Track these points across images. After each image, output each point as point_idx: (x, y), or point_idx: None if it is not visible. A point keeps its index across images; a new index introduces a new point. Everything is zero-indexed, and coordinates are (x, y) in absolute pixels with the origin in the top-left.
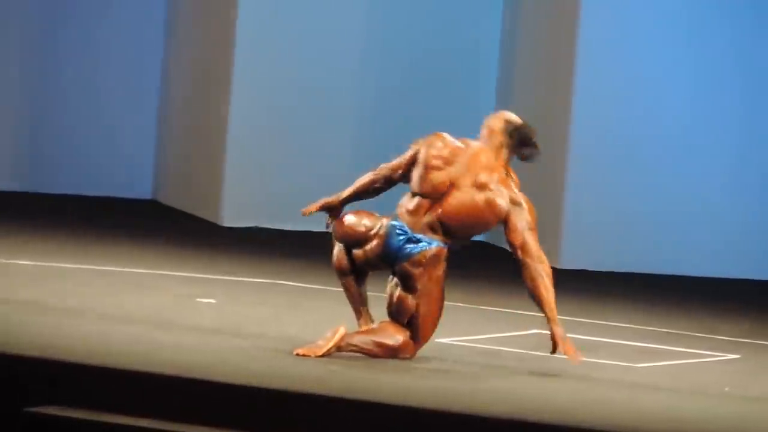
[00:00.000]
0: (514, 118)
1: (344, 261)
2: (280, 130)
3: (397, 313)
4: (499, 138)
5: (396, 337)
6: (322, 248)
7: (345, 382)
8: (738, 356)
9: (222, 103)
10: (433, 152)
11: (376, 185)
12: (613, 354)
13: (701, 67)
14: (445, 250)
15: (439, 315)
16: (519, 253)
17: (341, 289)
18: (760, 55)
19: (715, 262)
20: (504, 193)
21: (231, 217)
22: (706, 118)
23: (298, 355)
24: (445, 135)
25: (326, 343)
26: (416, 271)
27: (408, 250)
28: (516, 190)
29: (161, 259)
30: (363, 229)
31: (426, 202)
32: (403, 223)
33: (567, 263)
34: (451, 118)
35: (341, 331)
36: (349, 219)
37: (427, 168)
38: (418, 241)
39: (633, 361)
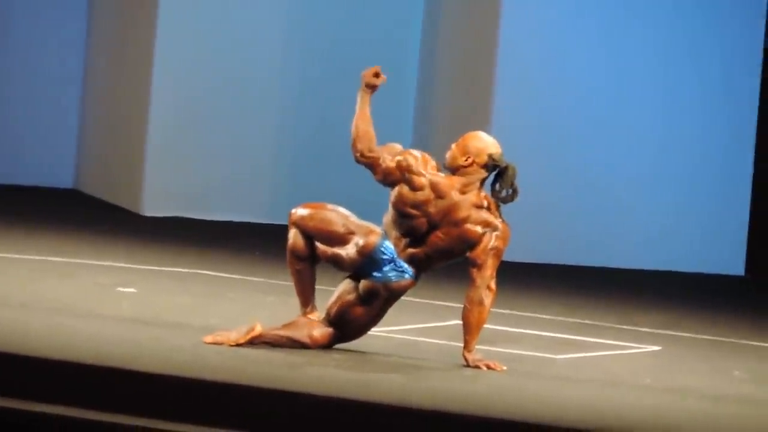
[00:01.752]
0: (496, 151)
1: (303, 246)
2: (201, 119)
3: (337, 314)
4: (479, 172)
5: (312, 334)
6: (243, 238)
7: (266, 373)
8: (659, 348)
9: (143, 92)
10: (411, 197)
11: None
12: (534, 345)
13: (620, 63)
14: (414, 284)
15: (371, 328)
16: (474, 271)
17: (265, 279)
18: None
19: (637, 253)
20: (482, 218)
21: (152, 207)
22: (625, 112)
23: (206, 342)
24: (424, 172)
25: (239, 337)
26: (384, 294)
27: (387, 273)
28: (496, 215)
29: (82, 248)
30: (342, 230)
31: (406, 240)
32: (391, 245)
33: None
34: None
35: (258, 329)
36: (332, 215)
37: (405, 213)
38: (400, 268)
39: (554, 353)
